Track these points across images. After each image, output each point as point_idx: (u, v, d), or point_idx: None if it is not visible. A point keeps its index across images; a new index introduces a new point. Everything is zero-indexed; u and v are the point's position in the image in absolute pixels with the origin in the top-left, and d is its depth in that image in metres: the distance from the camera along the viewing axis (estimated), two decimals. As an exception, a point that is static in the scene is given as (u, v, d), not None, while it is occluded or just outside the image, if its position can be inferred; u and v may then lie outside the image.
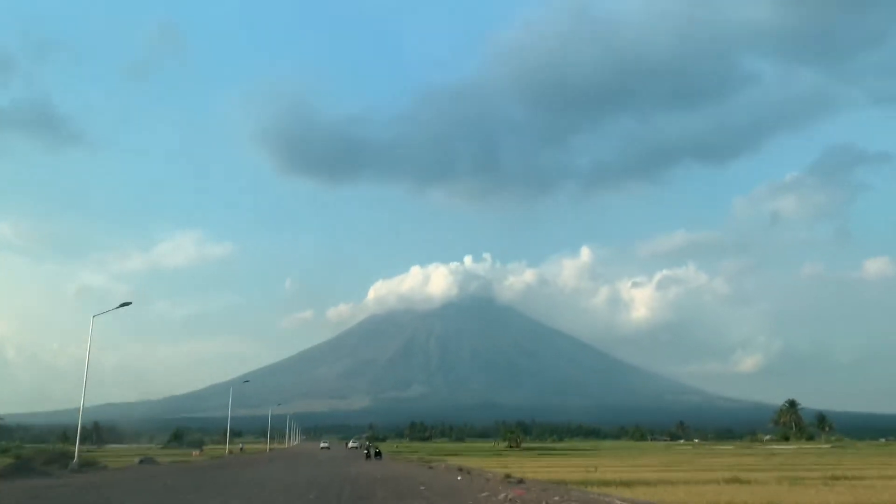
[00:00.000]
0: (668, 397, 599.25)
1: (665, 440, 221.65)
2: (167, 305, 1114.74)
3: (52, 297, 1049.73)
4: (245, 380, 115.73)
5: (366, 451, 72.83)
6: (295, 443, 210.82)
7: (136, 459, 63.52)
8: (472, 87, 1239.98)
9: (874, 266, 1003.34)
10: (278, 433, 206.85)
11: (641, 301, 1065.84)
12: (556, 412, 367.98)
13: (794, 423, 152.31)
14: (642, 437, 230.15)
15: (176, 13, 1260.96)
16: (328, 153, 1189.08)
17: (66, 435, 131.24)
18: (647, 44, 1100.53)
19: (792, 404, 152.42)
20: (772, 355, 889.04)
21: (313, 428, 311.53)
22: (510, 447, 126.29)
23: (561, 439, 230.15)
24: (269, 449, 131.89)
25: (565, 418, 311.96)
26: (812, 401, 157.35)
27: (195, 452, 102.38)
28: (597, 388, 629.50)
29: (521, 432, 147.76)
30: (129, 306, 50.13)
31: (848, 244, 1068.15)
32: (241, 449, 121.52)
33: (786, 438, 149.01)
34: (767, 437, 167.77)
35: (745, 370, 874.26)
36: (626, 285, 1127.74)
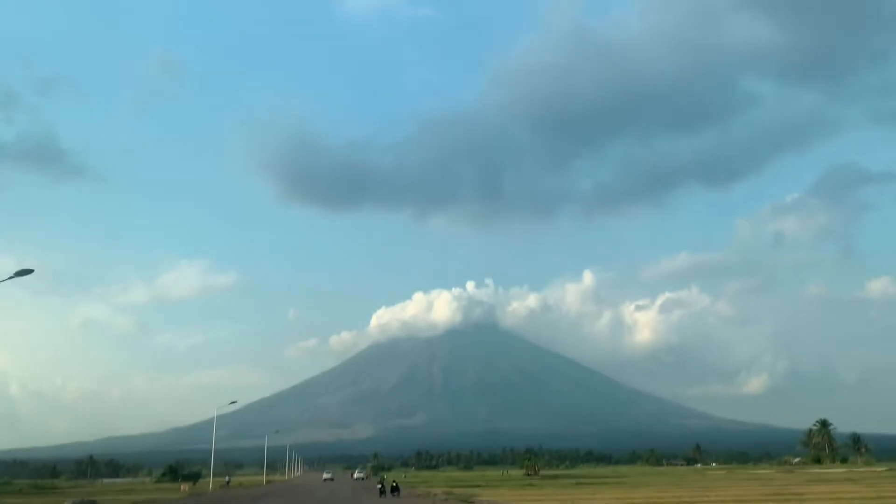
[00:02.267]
0: (673, 421, 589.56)
1: (681, 464, 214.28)
2: (171, 336, 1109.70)
3: (56, 330, 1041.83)
4: (232, 401, 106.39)
5: (379, 486, 60.73)
6: (297, 474, 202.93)
7: (68, 502, 54.26)
8: (474, 113, 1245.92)
9: (878, 285, 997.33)
10: (280, 464, 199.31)
11: (645, 324, 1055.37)
12: (561, 438, 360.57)
13: (826, 445, 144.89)
14: (658, 462, 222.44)
15: (177, 45, 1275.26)
16: (330, 180, 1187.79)
17: (56, 470, 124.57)
18: (648, 67, 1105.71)
19: (824, 424, 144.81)
20: (777, 376, 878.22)
21: (317, 458, 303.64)
22: (528, 475, 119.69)
23: (573, 466, 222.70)
24: (267, 481, 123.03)
25: (570, 444, 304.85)
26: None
27: (183, 487, 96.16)
28: (601, 413, 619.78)
29: (536, 459, 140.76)
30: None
31: (851, 264, 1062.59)
32: (228, 483, 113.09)
33: (817, 461, 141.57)
34: (797, 459, 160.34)
35: (750, 392, 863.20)
36: (630, 309, 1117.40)
